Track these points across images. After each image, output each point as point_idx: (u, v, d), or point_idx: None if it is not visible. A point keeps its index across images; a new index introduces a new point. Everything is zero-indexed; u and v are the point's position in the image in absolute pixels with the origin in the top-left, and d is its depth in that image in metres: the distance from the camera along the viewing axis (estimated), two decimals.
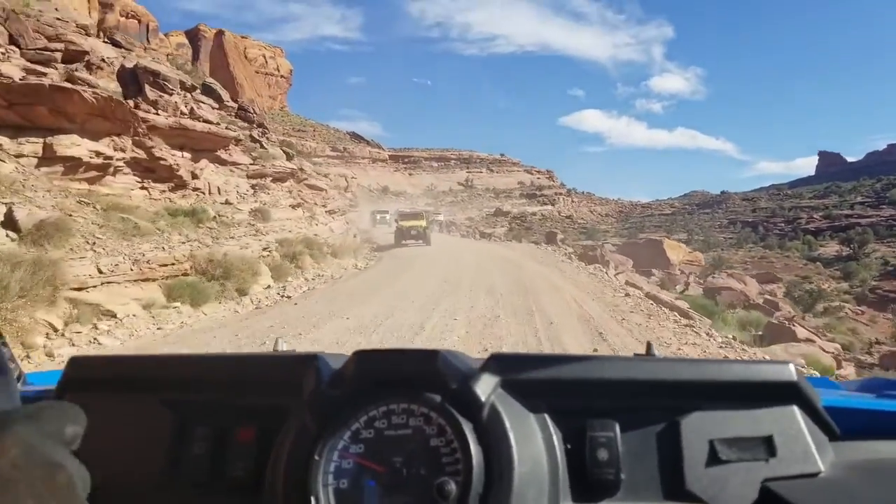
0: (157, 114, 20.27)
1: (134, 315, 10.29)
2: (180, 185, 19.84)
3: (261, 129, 36.21)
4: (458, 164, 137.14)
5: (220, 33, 52.59)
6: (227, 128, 24.01)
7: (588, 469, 0.69)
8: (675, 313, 12.45)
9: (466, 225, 70.81)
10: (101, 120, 14.66)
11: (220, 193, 22.05)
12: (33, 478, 0.43)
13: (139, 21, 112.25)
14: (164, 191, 19.26)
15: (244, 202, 22.75)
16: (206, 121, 22.17)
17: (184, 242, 15.07)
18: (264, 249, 17.81)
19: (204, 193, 21.35)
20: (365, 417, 0.68)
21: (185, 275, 12.73)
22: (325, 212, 27.99)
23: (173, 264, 12.28)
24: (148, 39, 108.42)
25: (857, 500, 0.67)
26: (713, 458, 0.70)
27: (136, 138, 16.26)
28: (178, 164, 19.08)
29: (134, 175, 17.50)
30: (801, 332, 14.57)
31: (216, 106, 30.26)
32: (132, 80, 21.48)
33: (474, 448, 0.64)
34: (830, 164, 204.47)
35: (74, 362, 0.84)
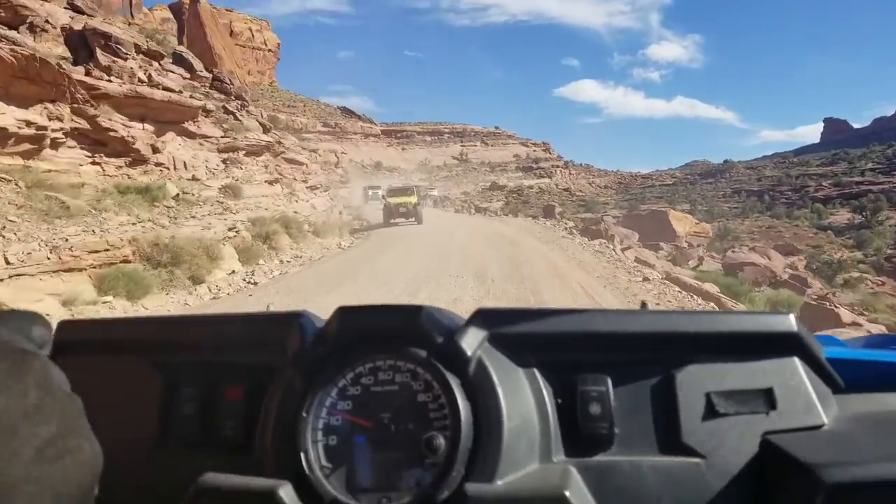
0: (110, 80, 18.27)
1: (48, 314, 8.50)
2: (139, 159, 17.94)
3: (239, 102, 34.19)
4: (451, 137, 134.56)
5: (194, 2, 49.89)
6: (191, 97, 21.96)
7: (580, 423, 0.68)
8: (710, 302, 10.72)
9: (461, 200, 68.64)
10: (26, 83, 12.72)
11: (186, 169, 20.16)
12: (7, 365, 0.44)
13: None
14: (120, 167, 17.38)
15: (214, 178, 20.86)
16: (166, 88, 20.16)
17: (134, 223, 13.25)
18: (230, 230, 15.97)
19: (168, 169, 19.46)
20: (351, 374, 0.67)
21: (126, 262, 10.93)
22: (307, 188, 26.11)
23: (107, 250, 10.47)
24: (132, 14, 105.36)
25: (861, 452, 0.65)
26: (710, 412, 0.69)
27: (76, 106, 14.28)
28: (133, 137, 17.15)
29: (81, 149, 15.59)
30: (846, 315, 12.84)
31: (187, 76, 28.21)
32: (82, 44, 19.42)
33: (462, 403, 0.64)
34: (836, 132, 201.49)
35: (62, 326, 0.83)
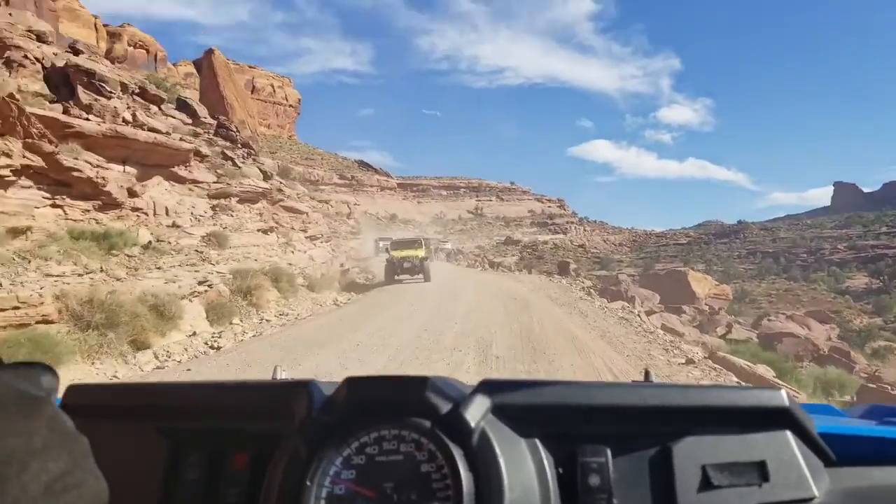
0: (88, 119, 16.52)
1: None
2: (111, 203, 15.97)
3: (246, 150, 32.68)
4: (467, 192, 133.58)
5: (209, 52, 49.66)
6: (182, 139, 20.19)
7: (580, 495, 0.68)
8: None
9: (475, 253, 66.34)
10: None
11: (167, 214, 18.18)
12: (19, 408, 0.46)
13: (147, 51, 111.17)
14: (87, 210, 15.39)
15: (199, 225, 18.85)
16: (152, 129, 18.37)
17: (80, 275, 11.13)
18: (202, 283, 13.80)
19: (146, 214, 17.47)
20: (356, 443, 0.67)
21: (46, 322, 8.74)
22: (306, 237, 24.08)
23: (17, 308, 8.29)
24: (156, 69, 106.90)
25: None
26: (706, 484, 0.69)
27: (29, 141, 12.38)
28: (104, 178, 15.22)
29: (39, 189, 13.64)
30: None
31: (189, 121, 26.71)
32: (63, 81, 17.81)
33: (464, 474, 0.64)
34: (846, 195, 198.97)
35: (72, 390, 0.84)
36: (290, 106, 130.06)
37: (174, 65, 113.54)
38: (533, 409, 0.72)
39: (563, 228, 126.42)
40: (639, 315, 15.33)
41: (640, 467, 0.71)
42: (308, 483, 0.65)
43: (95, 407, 0.82)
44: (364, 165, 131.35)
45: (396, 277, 23.71)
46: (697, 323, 20.40)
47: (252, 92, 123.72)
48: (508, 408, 0.70)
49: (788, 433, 0.73)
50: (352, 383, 0.71)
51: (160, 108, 25.85)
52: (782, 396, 0.75)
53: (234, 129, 32.36)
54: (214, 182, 21.22)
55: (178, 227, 17.64)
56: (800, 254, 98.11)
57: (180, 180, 20.46)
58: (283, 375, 1.04)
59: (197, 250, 16.69)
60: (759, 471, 0.70)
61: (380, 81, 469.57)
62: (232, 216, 20.45)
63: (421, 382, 0.69)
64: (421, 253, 23.64)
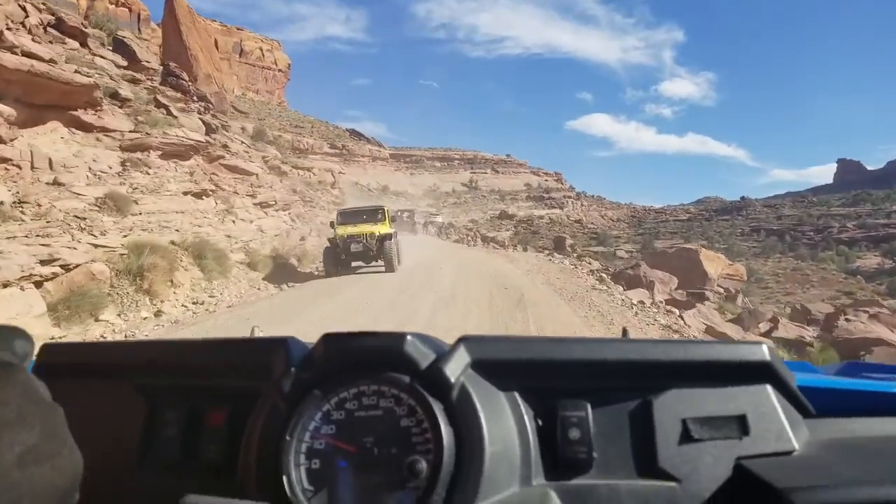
0: None
1: None
2: None
3: (204, 104, 27.91)
4: (461, 164, 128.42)
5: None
6: (77, 72, 15.54)
7: (560, 448, 0.69)
8: None
9: (468, 227, 61.76)
10: None
11: (51, 168, 13.66)
12: None
13: (130, 10, 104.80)
14: None
15: (100, 184, 14.35)
16: (28, 54, 13.74)
17: None
18: (46, 262, 9.41)
19: (18, 167, 12.97)
20: (335, 399, 0.67)
21: None
22: (254, 204, 19.56)
23: None
24: (139, 29, 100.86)
25: (831, 477, 0.67)
26: (686, 437, 0.70)
27: None
28: None
29: None
30: None
31: (123, 64, 21.97)
32: None
33: (444, 428, 0.64)
34: (849, 173, 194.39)
35: (47, 348, 0.84)
36: (280, 71, 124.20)
37: (158, 24, 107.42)
38: (512, 364, 0.71)
39: (560, 203, 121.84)
40: (680, 317, 11.04)
41: (620, 421, 0.71)
42: (287, 438, 0.64)
43: (71, 365, 0.80)
44: (356, 135, 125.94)
45: (347, 265, 16.51)
46: (738, 319, 16.04)
47: (240, 55, 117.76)
48: (488, 363, 0.70)
49: (768, 387, 0.73)
50: (329, 339, 0.70)
51: (89, 49, 21.17)
52: (763, 350, 0.74)
53: (188, 80, 27.56)
54: (131, 131, 16.63)
55: (59, 184, 13.13)
56: (806, 231, 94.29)
57: (85, 127, 15.90)
58: (260, 334, 1.00)
59: (79, 216, 12.23)
60: (740, 424, 0.70)
61: (374, 50, 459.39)
62: (149, 174, 15.92)
63: (400, 338, 0.68)
64: (380, 229, 15.93)
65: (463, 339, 0.71)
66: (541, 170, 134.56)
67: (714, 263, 38.52)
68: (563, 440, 0.68)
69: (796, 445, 0.71)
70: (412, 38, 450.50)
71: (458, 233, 50.23)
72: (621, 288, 14.58)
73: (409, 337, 0.69)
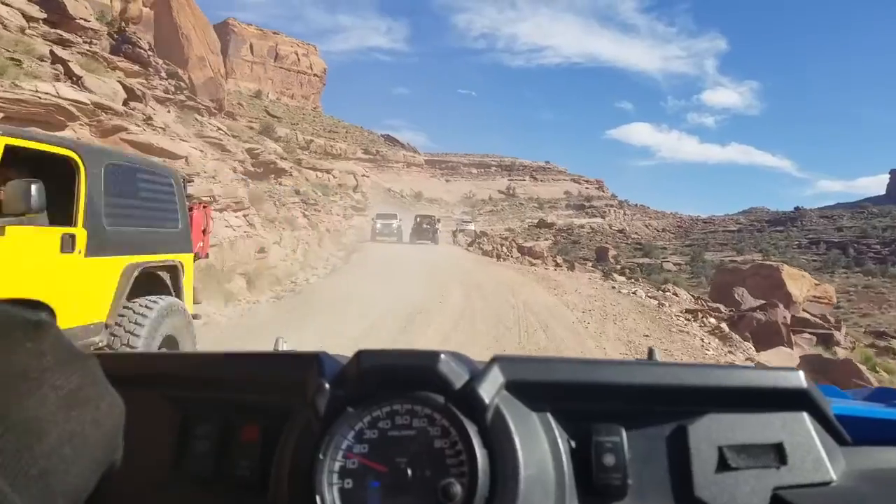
0: None
1: None
2: None
3: (173, 82, 22.62)
4: (499, 171, 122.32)
5: None
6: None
7: (594, 473, 0.67)
8: None
9: (503, 237, 55.38)
10: None
11: None
12: (25, 331, 0.47)
13: None
14: None
15: None
16: None
17: None
18: None
19: None
20: (369, 417, 0.66)
21: None
22: None
23: None
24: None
25: None
26: (722, 465, 0.68)
27: None
28: None
29: None
30: None
31: (41, 17, 16.71)
32: None
33: (479, 450, 0.63)
34: None
35: None
36: (315, 75, 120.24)
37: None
38: (546, 386, 0.70)
39: (602, 212, 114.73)
40: None
41: (656, 447, 0.69)
42: (321, 457, 0.63)
43: (108, 375, 0.74)
44: (390, 140, 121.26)
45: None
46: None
47: (275, 60, 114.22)
48: (522, 384, 0.68)
49: (805, 414, 0.71)
50: (364, 356, 0.68)
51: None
52: (800, 377, 0.73)
53: (148, 49, 22.06)
54: None
55: None
56: (871, 245, 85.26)
57: None
58: (284, 347, 0.94)
59: None
60: (777, 453, 0.68)
61: (414, 60, 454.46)
62: None
63: (434, 357, 0.66)
64: None
65: (496, 359, 0.69)
66: (581, 177, 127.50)
67: (798, 283, 31.62)
68: (597, 465, 0.66)
69: (834, 476, 0.68)
70: (452, 49, 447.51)
71: (492, 242, 43.75)
72: (751, 345, 8.36)
73: (442, 356, 0.66)
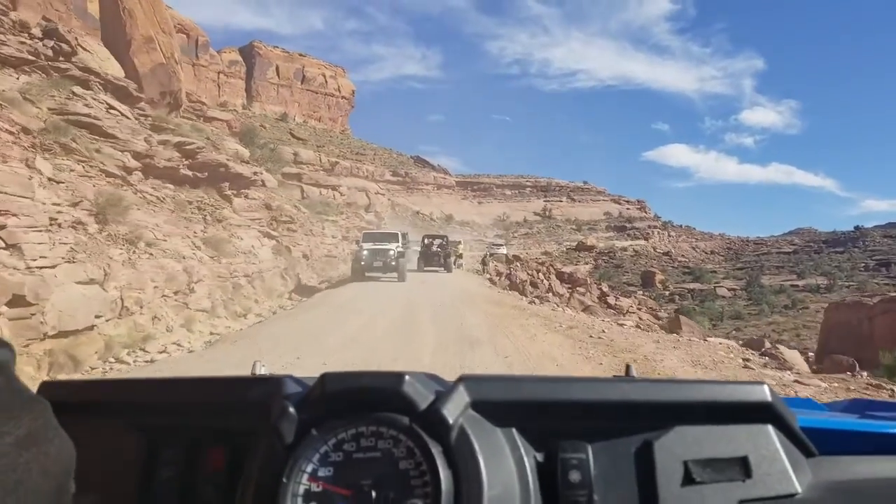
0: None
1: None
2: None
3: (57, 43, 15.59)
4: (534, 192, 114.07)
5: None
6: None
7: (560, 491, 0.65)
8: None
9: (538, 261, 47.06)
10: None
11: None
12: None
13: (188, 35, 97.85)
14: None
15: None
16: None
17: None
18: None
19: None
20: (333, 440, 0.64)
21: None
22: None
23: None
24: (197, 55, 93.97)
25: None
26: (688, 480, 0.67)
27: None
28: None
29: None
30: None
31: None
32: None
33: (443, 471, 0.61)
34: None
35: (45, 386, 0.80)
36: (343, 98, 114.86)
37: (218, 52, 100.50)
38: (512, 405, 0.68)
39: (645, 234, 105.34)
40: None
41: (622, 463, 0.68)
42: (284, 480, 0.61)
43: (70, 404, 0.73)
44: (420, 161, 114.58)
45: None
46: None
47: (302, 82, 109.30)
48: (487, 403, 0.67)
49: (770, 427, 0.71)
50: (328, 379, 0.67)
51: None
52: (764, 391, 0.72)
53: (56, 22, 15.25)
54: None
55: None
56: None
57: None
58: (262, 371, 0.91)
59: None
60: (742, 466, 0.68)
61: (448, 87, 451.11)
62: None
63: (398, 378, 0.65)
64: None
65: (462, 379, 0.68)
66: (622, 197, 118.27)
67: None
68: (563, 483, 0.65)
69: (799, 488, 0.68)
70: (486, 75, 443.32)
71: (526, 268, 35.17)
72: None
73: (407, 377, 0.65)
